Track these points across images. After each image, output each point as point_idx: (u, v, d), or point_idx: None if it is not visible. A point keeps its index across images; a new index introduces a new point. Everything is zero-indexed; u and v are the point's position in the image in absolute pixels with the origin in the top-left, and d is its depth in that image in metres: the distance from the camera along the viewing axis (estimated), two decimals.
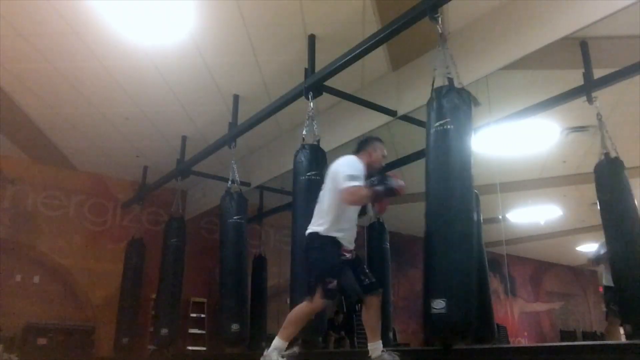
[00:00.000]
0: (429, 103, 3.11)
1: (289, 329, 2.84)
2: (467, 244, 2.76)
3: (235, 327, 4.84)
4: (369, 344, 2.86)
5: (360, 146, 3.17)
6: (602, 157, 3.94)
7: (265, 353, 2.82)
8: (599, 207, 3.90)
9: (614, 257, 3.76)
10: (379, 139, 3.20)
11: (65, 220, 7.23)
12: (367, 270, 2.94)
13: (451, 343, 2.72)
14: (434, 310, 2.60)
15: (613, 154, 3.93)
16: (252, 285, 7.18)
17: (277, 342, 2.84)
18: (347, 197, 2.79)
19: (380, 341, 2.85)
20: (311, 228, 2.95)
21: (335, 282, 2.77)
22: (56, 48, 4.57)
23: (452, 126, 2.93)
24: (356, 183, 2.78)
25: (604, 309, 4.59)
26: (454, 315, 2.59)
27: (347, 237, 2.91)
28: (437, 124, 2.98)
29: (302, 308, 2.84)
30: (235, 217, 5.16)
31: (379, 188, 2.76)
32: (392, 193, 2.78)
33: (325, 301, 2.77)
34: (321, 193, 3.03)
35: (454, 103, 2.97)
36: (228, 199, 5.24)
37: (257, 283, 7.16)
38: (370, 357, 2.82)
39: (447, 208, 2.83)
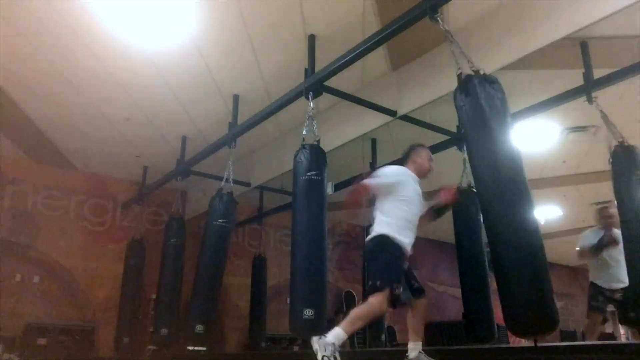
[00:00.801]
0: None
1: (356, 324, 2.76)
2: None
3: (199, 328, 4.81)
4: (410, 343, 2.91)
5: (404, 157, 3.31)
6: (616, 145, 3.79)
7: (325, 338, 2.68)
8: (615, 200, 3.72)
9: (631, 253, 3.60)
10: (421, 144, 3.26)
11: (65, 220, 7.23)
12: (415, 275, 2.99)
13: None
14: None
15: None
16: (252, 285, 7.20)
17: (339, 331, 2.70)
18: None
19: (420, 343, 2.89)
20: (380, 230, 2.97)
21: (402, 289, 2.79)
22: (56, 48, 4.56)
23: (463, 130, 2.91)
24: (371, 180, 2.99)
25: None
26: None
27: (410, 243, 2.98)
28: (461, 130, 2.97)
29: (370, 308, 2.77)
30: (220, 220, 5.08)
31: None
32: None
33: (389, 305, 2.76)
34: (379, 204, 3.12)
35: (461, 103, 2.89)
36: (217, 201, 5.17)
37: (257, 283, 7.17)
38: (407, 355, 2.87)
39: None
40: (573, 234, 9.87)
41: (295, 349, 7.47)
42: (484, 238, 4.36)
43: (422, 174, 3.21)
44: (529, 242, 2.60)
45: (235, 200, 5.31)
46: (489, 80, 2.89)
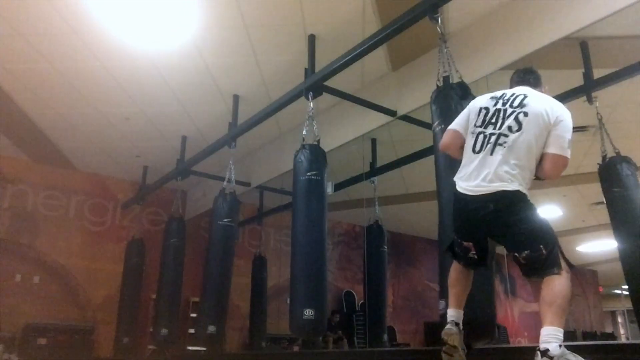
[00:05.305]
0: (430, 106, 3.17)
1: (564, 312, 2.03)
2: None
3: (211, 328, 4.80)
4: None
5: (537, 80, 2.43)
6: (606, 155, 3.91)
7: (556, 352, 1.93)
8: (607, 206, 3.83)
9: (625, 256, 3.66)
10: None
11: (65, 220, 7.23)
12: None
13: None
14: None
15: (611, 153, 3.94)
16: (252, 285, 7.20)
17: (558, 331, 1.98)
18: (556, 171, 2.13)
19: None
20: (511, 185, 2.12)
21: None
22: (56, 48, 4.57)
23: (442, 126, 2.98)
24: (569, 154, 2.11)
25: None
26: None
27: None
28: (434, 125, 3.10)
29: (563, 285, 2.07)
30: (225, 220, 5.12)
31: None
32: None
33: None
34: (513, 137, 2.15)
35: (447, 103, 3.02)
36: (220, 200, 5.20)
37: (257, 283, 7.17)
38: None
39: None
40: (573, 234, 9.89)
41: (295, 349, 7.46)
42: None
43: None
44: None
45: (238, 200, 5.33)
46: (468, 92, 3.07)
